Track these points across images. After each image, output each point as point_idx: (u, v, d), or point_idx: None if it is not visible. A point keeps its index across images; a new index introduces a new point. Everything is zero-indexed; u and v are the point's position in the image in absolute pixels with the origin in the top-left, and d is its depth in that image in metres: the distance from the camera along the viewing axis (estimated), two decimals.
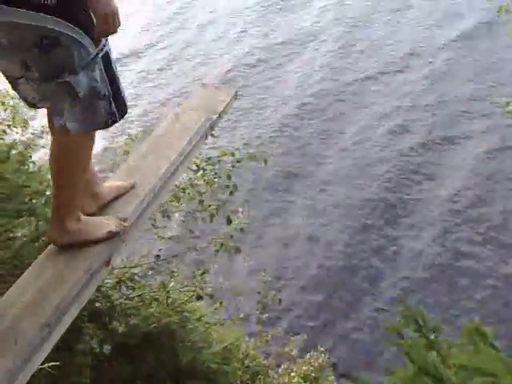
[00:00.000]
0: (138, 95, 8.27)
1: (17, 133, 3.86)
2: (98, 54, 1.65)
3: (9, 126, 3.70)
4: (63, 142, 1.79)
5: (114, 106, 1.76)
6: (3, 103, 3.93)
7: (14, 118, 3.84)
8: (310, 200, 7.29)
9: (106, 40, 1.69)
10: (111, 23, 1.58)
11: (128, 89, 7.94)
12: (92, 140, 1.85)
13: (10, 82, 1.72)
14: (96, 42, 1.63)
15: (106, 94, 1.72)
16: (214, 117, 2.72)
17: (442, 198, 7.16)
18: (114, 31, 1.62)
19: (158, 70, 8.47)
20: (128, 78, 8.39)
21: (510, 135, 7.77)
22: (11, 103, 3.93)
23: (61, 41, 1.54)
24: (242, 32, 9.01)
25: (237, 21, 9.20)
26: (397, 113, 8.03)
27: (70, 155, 1.81)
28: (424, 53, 8.60)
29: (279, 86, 8.31)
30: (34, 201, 2.62)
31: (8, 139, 3.37)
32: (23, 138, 3.63)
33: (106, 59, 1.70)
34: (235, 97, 2.97)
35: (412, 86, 8.29)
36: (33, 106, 1.78)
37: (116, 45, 1.69)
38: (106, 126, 1.80)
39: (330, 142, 7.85)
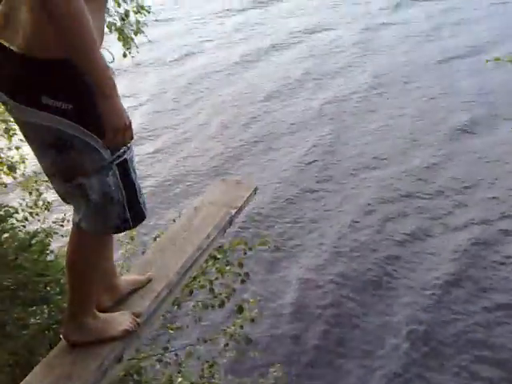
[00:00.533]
0: (148, 175, 8.49)
1: (39, 220, 3.94)
2: (113, 160, 1.63)
3: (31, 213, 3.79)
4: (78, 240, 1.80)
5: (127, 213, 1.72)
6: (27, 186, 4.06)
7: (35, 204, 3.94)
8: (304, 278, 7.26)
9: (129, 148, 1.67)
10: (120, 138, 1.57)
11: (138, 168, 8.15)
12: (107, 241, 1.85)
13: (47, 177, 1.79)
14: (113, 148, 1.62)
15: (120, 199, 1.69)
16: (233, 211, 2.75)
17: (429, 283, 7.13)
18: (124, 145, 1.62)
19: (169, 150, 8.73)
20: (139, 158, 8.63)
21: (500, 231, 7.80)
22: (35, 187, 4.07)
23: (74, 144, 1.55)
24: (249, 120, 9.40)
25: (242, 111, 9.61)
26: (392, 201, 8.15)
27: (83, 253, 1.81)
28: (420, 147, 8.82)
29: (280, 172, 8.53)
30: (48, 288, 2.61)
31: (30, 225, 3.45)
32: (44, 226, 3.70)
33: (124, 166, 1.67)
34: (255, 192, 3.03)
35: (406, 179, 8.46)
36: (64, 200, 1.82)
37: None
38: (117, 231, 1.78)
39: (325, 224, 7.94)
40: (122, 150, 1.64)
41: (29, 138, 1.65)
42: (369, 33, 12.36)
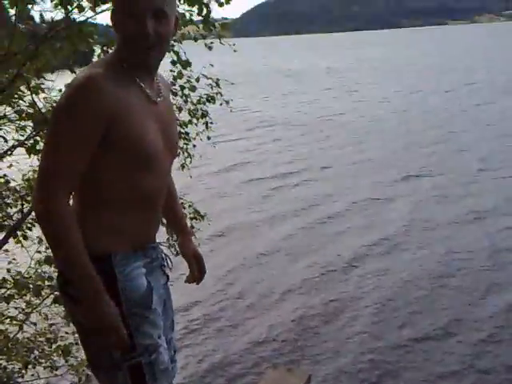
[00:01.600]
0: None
1: None
2: (122, 361, 1.49)
3: None
4: None
5: None
6: (78, 370, 4.00)
7: None
8: None
9: (148, 350, 1.52)
10: (100, 341, 1.46)
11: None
12: None
13: None
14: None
15: None
16: None
17: None
18: (108, 350, 1.48)
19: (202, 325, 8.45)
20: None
21: None
22: (86, 372, 4.01)
23: (87, 337, 1.50)
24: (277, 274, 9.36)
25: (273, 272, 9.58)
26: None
27: None
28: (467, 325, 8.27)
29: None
30: None
31: None
32: None
33: (138, 369, 1.50)
34: (308, 381, 2.87)
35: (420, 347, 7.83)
36: None
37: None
38: None
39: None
40: (136, 352, 1.49)
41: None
42: (379, 203, 12.88)
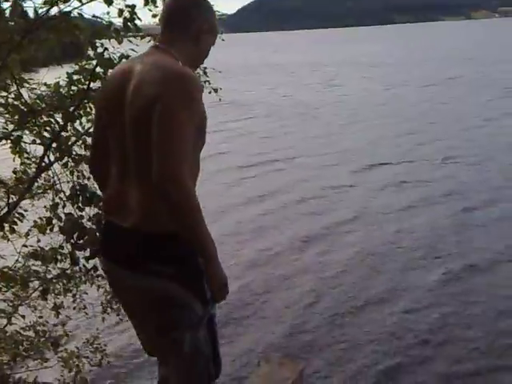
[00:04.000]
0: None
1: None
2: (204, 316, 1.74)
3: None
4: None
5: (212, 367, 1.80)
6: (67, 362, 4.01)
7: (74, 381, 3.87)
8: None
9: (213, 305, 1.78)
10: (222, 294, 1.75)
11: None
12: None
13: (138, 336, 1.91)
14: (204, 305, 1.73)
15: (208, 353, 1.77)
16: None
17: None
18: (223, 299, 1.78)
19: None
20: None
21: None
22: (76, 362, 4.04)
23: (175, 304, 1.69)
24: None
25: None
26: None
27: None
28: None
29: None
30: None
31: None
32: None
33: (211, 320, 1.78)
34: (301, 373, 2.83)
35: None
36: (150, 354, 1.93)
37: None
38: None
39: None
40: (209, 307, 1.75)
41: (131, 303, 1.84)
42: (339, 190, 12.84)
